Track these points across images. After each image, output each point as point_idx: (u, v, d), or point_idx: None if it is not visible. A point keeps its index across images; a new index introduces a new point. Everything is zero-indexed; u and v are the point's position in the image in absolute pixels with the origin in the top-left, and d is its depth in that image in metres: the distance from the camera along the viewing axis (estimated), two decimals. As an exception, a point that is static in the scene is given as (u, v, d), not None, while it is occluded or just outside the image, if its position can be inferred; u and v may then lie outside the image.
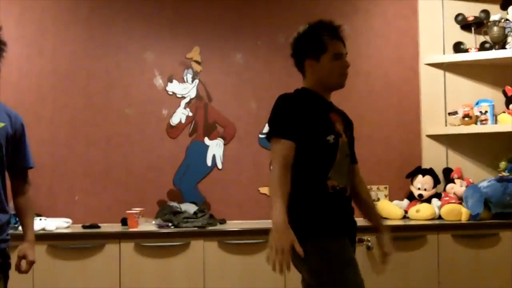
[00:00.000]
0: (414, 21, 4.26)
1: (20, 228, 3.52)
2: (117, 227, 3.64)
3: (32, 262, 2.59)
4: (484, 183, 3.81)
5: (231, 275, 3.49)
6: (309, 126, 2.31)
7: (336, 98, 2.49)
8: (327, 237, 2.29)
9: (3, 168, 2.50)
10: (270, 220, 2.15)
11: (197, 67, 4.11)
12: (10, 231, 3.51)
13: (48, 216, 3.67)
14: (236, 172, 4.11)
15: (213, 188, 4.08)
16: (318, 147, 2.32)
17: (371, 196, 2.65)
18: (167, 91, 4.08)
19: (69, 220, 3.72)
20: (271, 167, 2.25)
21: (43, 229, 3.45)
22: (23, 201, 2.66)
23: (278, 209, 2.14)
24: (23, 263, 2.57)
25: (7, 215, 2.54)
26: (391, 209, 3.99)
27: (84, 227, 3.66)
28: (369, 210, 2.58)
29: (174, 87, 4.08)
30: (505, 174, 3.92)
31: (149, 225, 3.69)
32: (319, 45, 2.37)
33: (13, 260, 2.54)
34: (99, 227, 3.65)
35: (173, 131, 4.07)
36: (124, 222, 3.67)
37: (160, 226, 3.60)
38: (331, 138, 2.33)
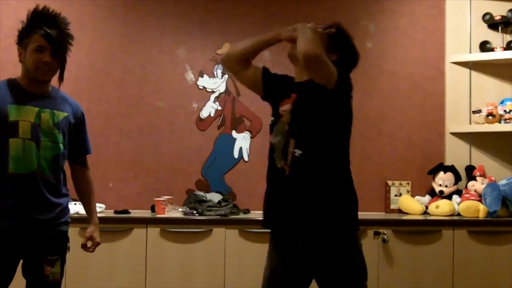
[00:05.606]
0: (441, 21, 4.29)
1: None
2: (146, 213, 3.85)
3: (98, 243, 2.71)
4: (503, 181, 3.85)
5: (250, 261, 3.63)
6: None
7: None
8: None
9: (65, 155, 2.60)
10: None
11: (227, 63, 4.27)
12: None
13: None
14: (262, 165, 4.13)
15: (239, 179, 4.23)
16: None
17: None
18: (197, 85, 4.25)
19: (103, 206, 3.90)
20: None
21: (77, 213, 3.58)
22: (85, 186, 2.75)
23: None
24: (89, 243, 2.71)
25: (68, 198, 2.63)
26: (412, 204, 4.07)
27: (115, 212, 3.88)
28: None
29: (204, 81, 4.25)
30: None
31: (176, 212, 3.87)
32: None
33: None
34: (129, 212, 3.86)
35: (202, 123, 4.24)
36: (153, 209, 3.88)
37: (185, 214, 3.79)
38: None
